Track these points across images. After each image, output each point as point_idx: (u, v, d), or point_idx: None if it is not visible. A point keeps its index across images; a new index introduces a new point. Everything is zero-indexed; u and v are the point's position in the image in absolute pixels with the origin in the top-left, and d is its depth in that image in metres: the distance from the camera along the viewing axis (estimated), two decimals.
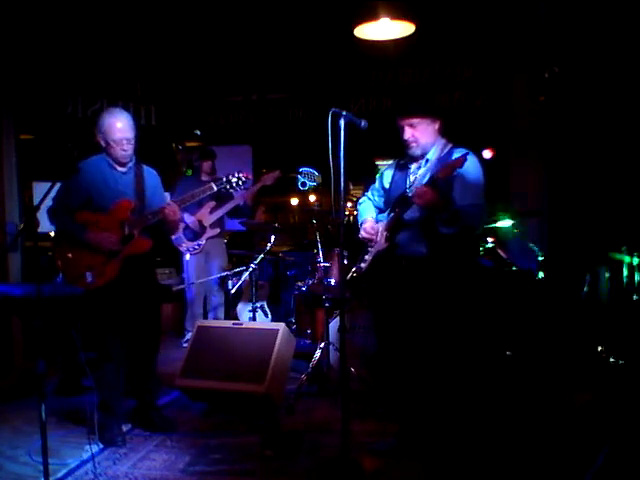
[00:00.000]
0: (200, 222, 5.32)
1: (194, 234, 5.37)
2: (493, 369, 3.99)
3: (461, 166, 2.80)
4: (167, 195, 4.15)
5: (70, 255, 3.27)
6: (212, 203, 5.27)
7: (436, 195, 2.82)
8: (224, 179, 3.44)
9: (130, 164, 3.34)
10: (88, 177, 3.27)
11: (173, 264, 6.03)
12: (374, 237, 3.11)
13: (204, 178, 5.41)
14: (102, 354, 3.31)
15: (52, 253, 3.47)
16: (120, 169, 3.32)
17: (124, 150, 3.23)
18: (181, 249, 5.40)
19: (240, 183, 3.45)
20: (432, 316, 2.97)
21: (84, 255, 3.22)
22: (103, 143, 3.25)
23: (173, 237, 5.12)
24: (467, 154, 2.82)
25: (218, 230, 5.44)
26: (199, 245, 5.37)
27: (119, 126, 3.20)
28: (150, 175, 3.45)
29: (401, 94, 6.10)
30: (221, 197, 5.10)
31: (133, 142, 3.26)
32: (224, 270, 5.52)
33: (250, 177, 3.49)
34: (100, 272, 3.20)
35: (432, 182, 2.87)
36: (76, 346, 3.81)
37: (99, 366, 3.30)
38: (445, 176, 2.82)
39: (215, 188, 3.40)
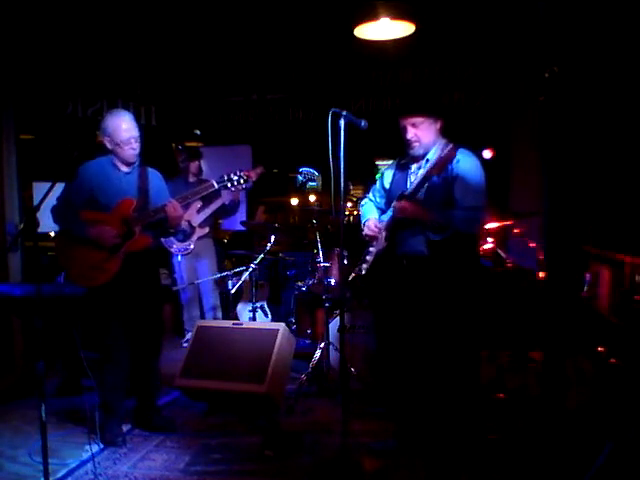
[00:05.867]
0: (189, 222, 5.30)
1: (184, 235, 5.36)
2: (493, 369, 3.99)
3: (451, 159, 2.86)
4: None
5: (72, 253, 3.29)
6: (198, 203, 5.25)
7: (415, 208, 2.91)
8: (225, 177, 3.38)
9: (135, 165, 3.37)
10: (91, 178, 3.30)
11: (164, 265, 6.01)
12: (377, 234, 3.12)
13: (191, 179, 5.41)
14: (104, 355, 3.31)
15: (55, 252, 3.49)
16: (124, 169, 3.35)
17: (133, 149, 3.28)
18: (172, 250, 5.38)
19: (242, 182, 3.39)
20: (432, 316, 2.97)
21: (86, 252, 3.24)
22: (110, 145, 3.28)
23: (163, 239, 5.09)
24: (457, 147, 2.87)
25: (207, 229, 5.43)
26: (189, 246, 5.35)
27: (125, 126, 3.25)
28: (154, 176, 3.48)
29: (403, 93, 6.10)
30: (208, 196, 5.05)
31: (140, 140, 3.31)
32: (215, 270, 5.53)
33: (252, 176, 3.45)
34: (101, 269, 3.22)
35: (411, 195, 2.95)
36: (77, 346, 3.82)
37: (101, 367, 3.30)
38: (438, 172, 2.87)
39: (216, 186, 3.36)
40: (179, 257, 5.41)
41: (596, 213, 4.81)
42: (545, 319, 4.13)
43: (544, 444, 3.09)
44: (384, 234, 3.09)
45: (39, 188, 5.53)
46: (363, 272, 3.17)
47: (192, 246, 5.32)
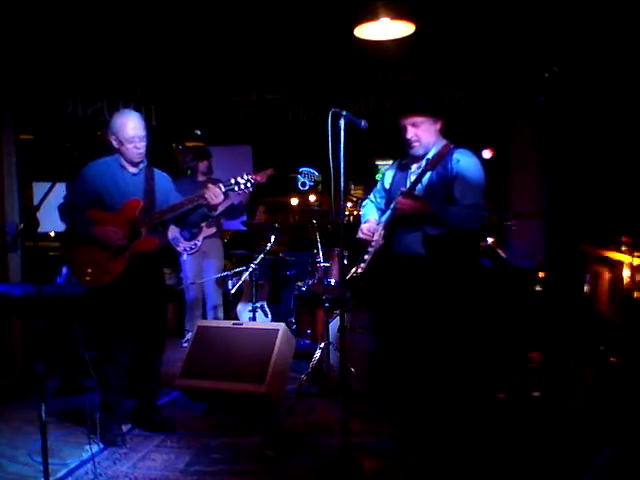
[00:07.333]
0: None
1: (190, 234, 5.37)
2: (491, 369, 4.00)
3: (446, 154, 2.90)
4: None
5: (78, 252, 3.29)
6: None
7: (415, 202, 2.92)
8: (232, 180, 3.36)
9: (142, 165, 3.38)
10: (95, 179, 3.31)
11: (172, 264, 6.03)
12: (370, 238, 3.12)
13: (200, 178, 5.41)
14: (105, 355, 3.31)
15: (60, 251, 3.49)
16: (131, 170, 3.35)
17: (137, 148, 3.28)
18: (178, 249, 5.39)
19: (249, 185, 3.37)
20: (430, 315, 2.97)
21: (91, 252, 3.24)
22: (116, 144, 3.29)
23: (170, 237, 5.10)
24: (451, 144, 2.92)
25: (214, 229, 5.43)
26: (196, 245, 5.37)
27: (131, 125, 3.26)
28: (162, 178, 3.49)
29: (403, 93, 6.10)
30: None
31: (145, 141, 3.31)
32: (221, 270, 5.53)
33: (260, 178, 3.45)
34: (106, 269, 3.22)
35: (409, 191, 2.95)
36: (77, 346, 3.83)
37: (102, 366, 3.31)
38: (432, 167, 2.90)
39: (224, 189, 3.34)
40: (185, 256, 5.42)
41: (596, 213, 4.82)
42: (545, 319, 4.13)
43: (544, 444, 3.09)
44: (382, 233, 3.09)
45: (39, 188, 5.52)
46: (360, 271, 3.17)
47: (199, 243, 5.34)
